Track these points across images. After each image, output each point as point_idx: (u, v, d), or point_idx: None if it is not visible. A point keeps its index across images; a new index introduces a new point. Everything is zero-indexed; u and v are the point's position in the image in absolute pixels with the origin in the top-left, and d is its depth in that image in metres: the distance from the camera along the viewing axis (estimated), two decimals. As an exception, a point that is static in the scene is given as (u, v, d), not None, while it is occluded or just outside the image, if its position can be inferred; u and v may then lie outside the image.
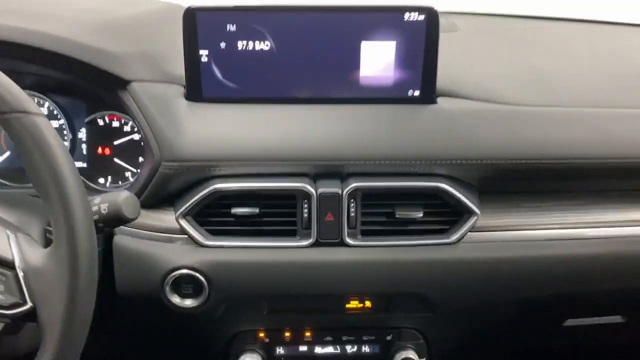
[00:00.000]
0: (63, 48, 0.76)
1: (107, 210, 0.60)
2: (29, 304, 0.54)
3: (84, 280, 0.52)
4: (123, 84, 0.78)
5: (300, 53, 0.79)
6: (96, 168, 0.90)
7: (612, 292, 0.85)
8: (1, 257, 0.55)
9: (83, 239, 0.53)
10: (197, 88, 0.80)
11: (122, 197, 0.61)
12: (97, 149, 0.90)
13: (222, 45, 0.78)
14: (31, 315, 0.54)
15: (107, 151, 0.89)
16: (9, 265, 0.54)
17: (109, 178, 0.90)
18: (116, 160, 0.89)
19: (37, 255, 0.55)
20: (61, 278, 0.52)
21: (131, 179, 0.88)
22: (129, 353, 1.01)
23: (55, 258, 0.53)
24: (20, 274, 0.54)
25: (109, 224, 0.61)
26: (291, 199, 0.77)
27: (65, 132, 0.89)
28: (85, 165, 0.90)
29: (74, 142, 0.90)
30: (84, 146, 0.90)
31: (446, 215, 0.79)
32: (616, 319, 0.92)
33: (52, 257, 0.54)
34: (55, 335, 0.52)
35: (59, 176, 0.52)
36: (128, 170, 0.89)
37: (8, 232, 0.57)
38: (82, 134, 0.90)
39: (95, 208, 0.60)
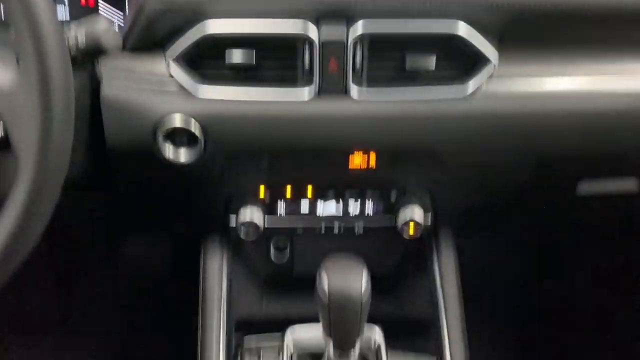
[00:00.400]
0: None
1: (84, 38, 0.54)
2: (1, 129, 0.50)
3: (57, 100, 0.48)
4: None
5: None
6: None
7: (629, 151, 0.81)
8: None
9: (53, 61, 0.47)
10: None
11: (100, 25, 0.55)
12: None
13: None
14: (4, 141, 0.50)
15: (91, 2, 0.81)
16: None
17: None
18: (101, 10, 0.81)
19: (4, 77, 0.50)
20: (33, 101, 0.48)
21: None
22: (129, 218, 1.00)
23: (25, 79, 0.48)
24: None
25: (88, 54, 0.55)
26: (291, 44, 0.71)
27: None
28: (68, 19, 0.82)
29: None
30: None
31: (461, 64, 0.72)
32: (630, 185, 0.88)
33: (21, 78, 0.49)
34: (31, 156, 0.48)
35: None
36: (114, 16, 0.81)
37: None
38: None
39: (71, 34, 0.54)
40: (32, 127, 0.48)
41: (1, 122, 0.50)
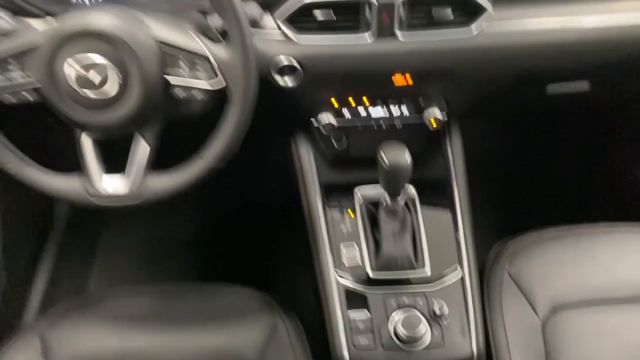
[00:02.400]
0: None
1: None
2: (223, 83, 0.91)
3: (251, 62, 0.88)
4: None
5: None
6: None
7: (587, 64, 1.20)
8: (201, 54, 0.89)
9: (247, 40, 0.87)
10: None
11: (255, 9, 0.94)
12: None
13: None
14: (223, 90, 0.91)
15: None
16: (207, 59, 0.89)
17: None
18: None
19: (220, 51, 0.90)
20: (238, 64, 0.88)
21: None
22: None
23: (233, 52, 0.88)
24: (212, 62, 0.90)
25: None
26: (357, 5, 1.07)
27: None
28: None
29: None
30: None
31: (467, 13, 1.09)
32: (584, 85, 1.28)
33: (231, 52, 0.89)
34: (238, 98, 0.90)
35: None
36: None
37: (197, 39, 0.90)
38: None
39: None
40: (239, 79, 0.88)
41: (221, 76, 0.90)
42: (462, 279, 1.16)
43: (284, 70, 1.12)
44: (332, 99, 1.22)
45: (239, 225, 1.80)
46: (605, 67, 1.21)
